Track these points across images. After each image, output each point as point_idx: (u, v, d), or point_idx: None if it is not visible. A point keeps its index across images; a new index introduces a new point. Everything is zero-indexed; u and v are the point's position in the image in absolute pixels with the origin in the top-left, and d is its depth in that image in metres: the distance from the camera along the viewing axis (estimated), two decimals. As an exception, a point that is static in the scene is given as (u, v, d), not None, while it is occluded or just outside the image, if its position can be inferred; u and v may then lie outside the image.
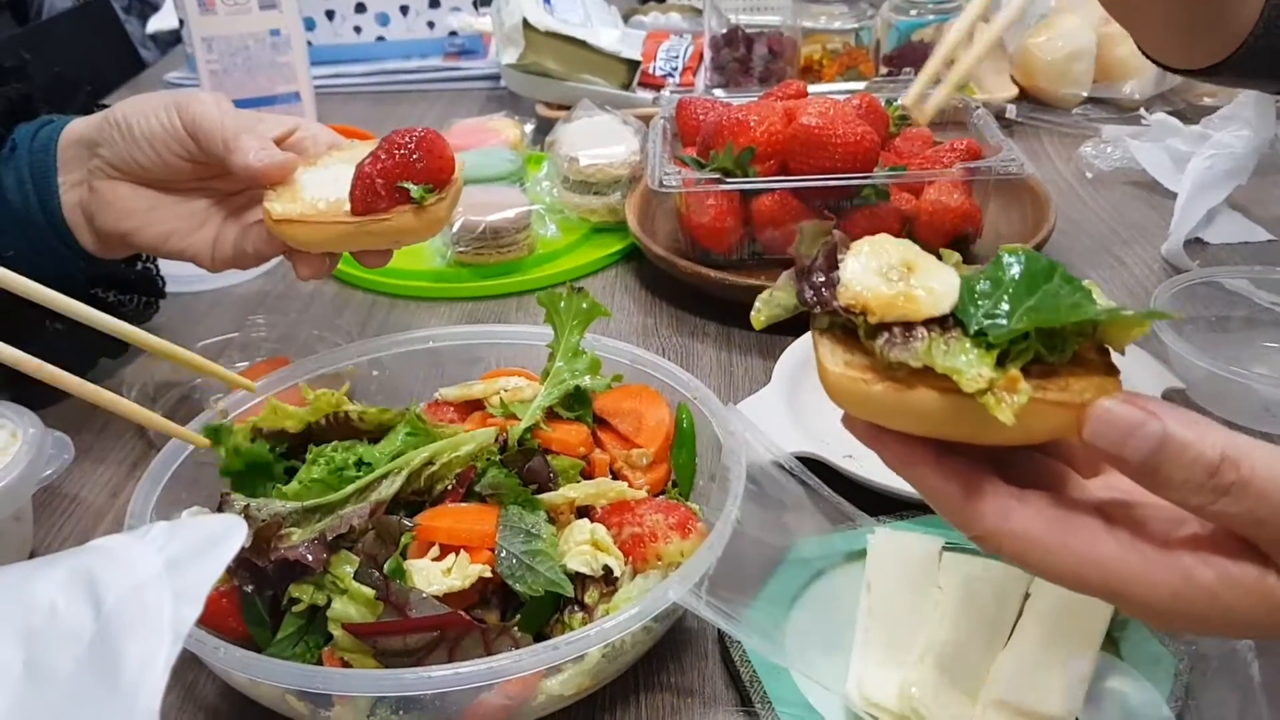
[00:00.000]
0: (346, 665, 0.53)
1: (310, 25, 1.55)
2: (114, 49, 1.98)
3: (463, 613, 0.53)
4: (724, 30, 1.35)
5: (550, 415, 0.66)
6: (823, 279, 0.41)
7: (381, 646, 0.52)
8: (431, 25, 1.62)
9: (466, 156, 1.13)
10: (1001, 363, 0.38)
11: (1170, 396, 0.76)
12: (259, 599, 0.56)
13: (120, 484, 0.75)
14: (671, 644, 0.60)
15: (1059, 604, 0.57)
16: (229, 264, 0.71)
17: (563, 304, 0.69)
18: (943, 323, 0.39)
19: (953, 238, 0.92)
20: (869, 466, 0.70)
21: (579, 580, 0.57)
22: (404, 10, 1.60)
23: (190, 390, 0.81)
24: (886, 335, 0.39)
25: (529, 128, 1.25)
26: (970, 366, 0.37)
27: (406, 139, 0.65)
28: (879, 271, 0.41)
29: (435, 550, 0.57)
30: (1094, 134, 1.23)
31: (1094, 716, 0.52)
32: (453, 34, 1.62)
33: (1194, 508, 0.38)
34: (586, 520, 0.60)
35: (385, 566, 0.55)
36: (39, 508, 0.71)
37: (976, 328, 0.39)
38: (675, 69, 1.42)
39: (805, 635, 0.58)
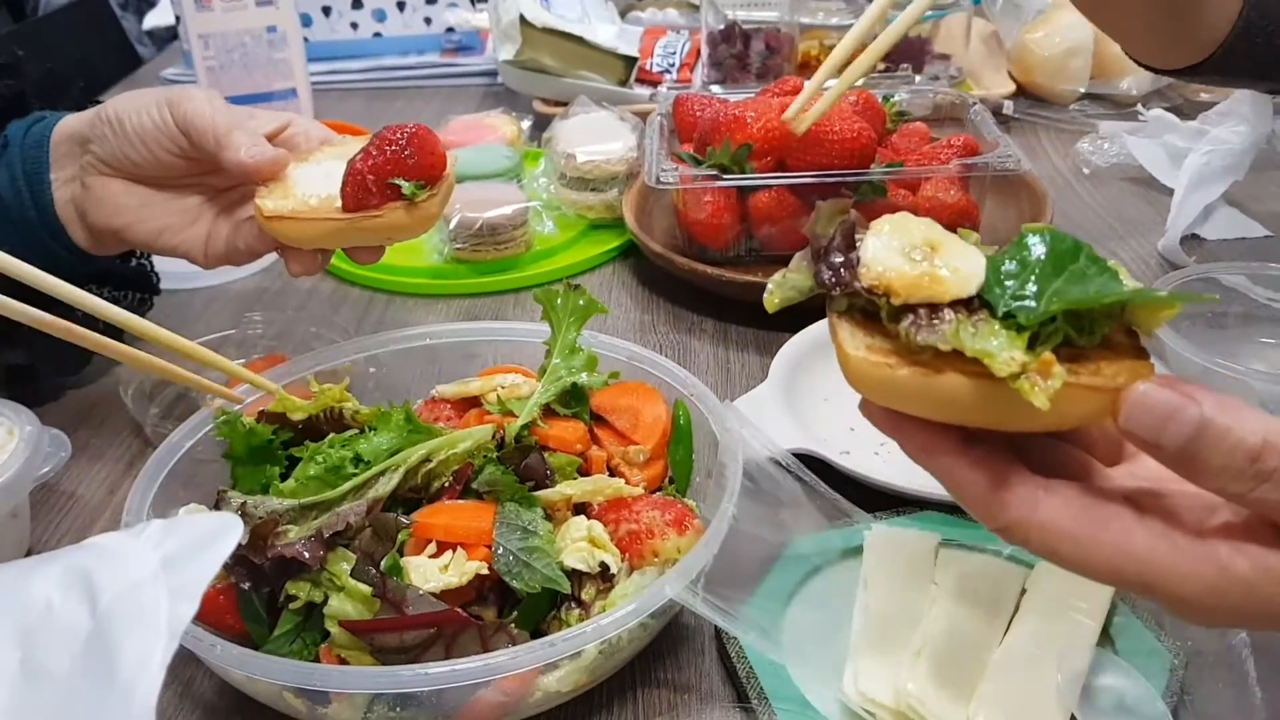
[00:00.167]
0: (343, 662, 0.53)
1: (307, 21, 1.55)
2: (110, 45, 1.97)
3: (459, 609, 0.53)
4: (721, 26, 1.34)
5: (547, 412, 0.66)
6: (841, 259, 0.40)
7: (378, 643, 0.52)
8: (428, 21, 1.61)
9: (463, 153, 1.13)
10: (1031, 346, 0.37)
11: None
12: (256, 596, 0.56)
13: (117, 481, 0.75)
14: (668, 640, 0.60)
15: (1055, 600, 0.58)
16: (221, 261, 0.71)
17: (560, 301, 0.69)
18: (968, 304, 0.38)
19: (949, 234, 0.92)
20: (865, 463, 0.70)
21: (576, 577, 0.57)
22: (401, 6, 1.60)
23: (187, 387, 0.81)
24: (911, 317, 0.37)
25: (526, 124, 1.25)
26: (1002, 350, 0.36)
27: (398, 135, 0.65)
28: (902, 251, 0.39)
29: (432, 547, 0.57)
30: (1091, 130, 1.23)
31: (1090, 712, 0.52)
32: (450, 30, 1.62)
33: (1232, 495, 0.36)
34: (583, 517, 0.60)
35: (382, 564, 0.55)
36: (36, 505, 0.71)
37: (1005, 310, 0.37)
38: (672, 65, 1.42)
39: (802, 632, 0.58)
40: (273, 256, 0.72)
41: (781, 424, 0.72)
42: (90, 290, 0.79)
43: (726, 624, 0.53)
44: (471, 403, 0.70)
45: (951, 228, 0.41)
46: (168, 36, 1.94)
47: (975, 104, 1.03)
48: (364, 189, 0.64)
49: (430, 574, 0.55)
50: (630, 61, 1.35)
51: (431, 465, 0.59)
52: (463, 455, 0.60)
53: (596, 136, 1.09)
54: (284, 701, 0.52)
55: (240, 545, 0.49)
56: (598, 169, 1.06)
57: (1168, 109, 1.17)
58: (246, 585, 0.54)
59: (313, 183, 0.67)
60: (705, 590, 0.53)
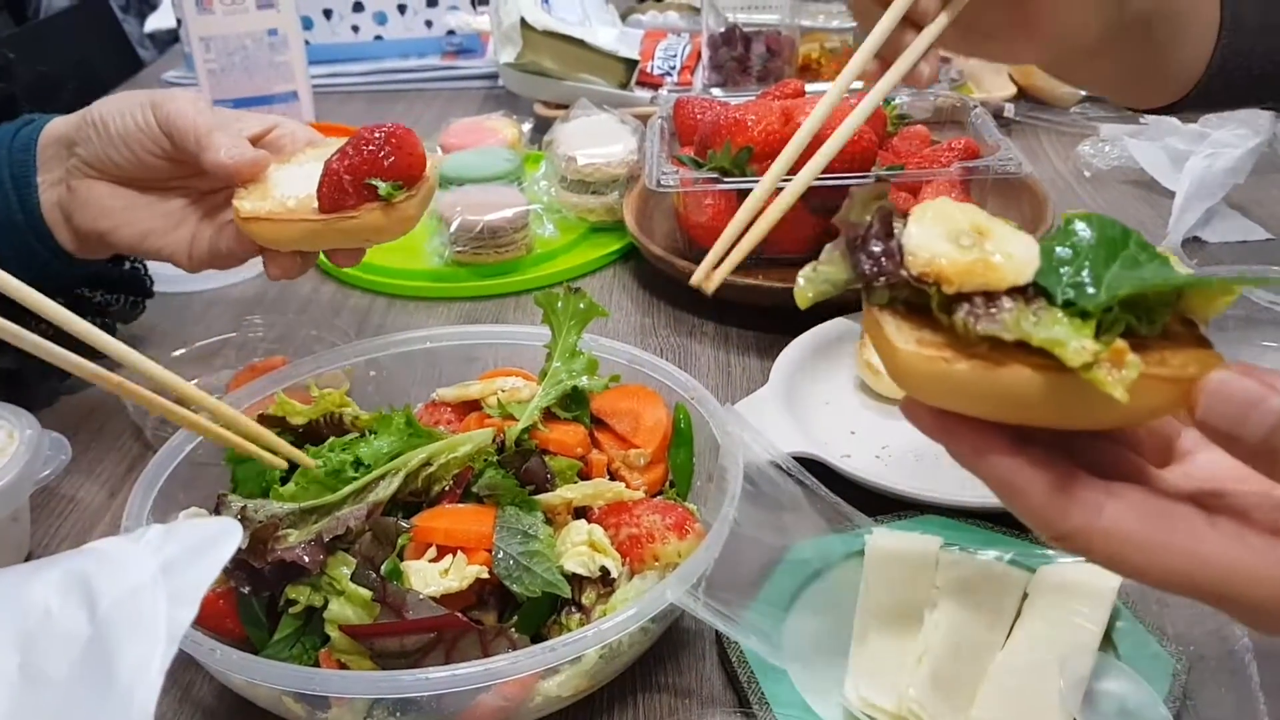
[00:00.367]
0: (343, 667, 0.53)
1: (308, 24, 1.55)
2: (112, 48, 1.97)
3: (460, 614, 0.53)
4: (722, 29, 1.34)
5: (548, 416, 0.66)
6: (882, 248, 0.37)
7: (378, 648, 0.52)
8: (429, 24, 1.61)
9: (464, 156, 1.13)
10: (1095, 336, 0.34)
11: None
12: (256, 600, 0.56)
13: (117, 485, 0.75)
14: (669, 645, 0.60)
15: (1056, 604, 0.57)
16: (206, 264, 0.71)
17: (560, 304, 0.69)
18: (1023, 293, 0.35)
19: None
20: (866, 466, 0.70)
21: (576, 581, 0.57)
22: (401, 9, 1.60)
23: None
24: (967, 307, 0.35)
25: (527, 127, 1.25)
26: (1071, 338, 0.33)
27: (375, 135, 0.64)
28: (949, 237, 0.36)
29: (432, 551, 0.57)
30: (1092, 133, 1.23)
31: (1092, 717, 0.52)
32: (450, 33, 1.62)
33: None
34: (584, 521, 0.60)
35: (382, 568, 0.55)
36: (36, 508, 0.71)
37: (1065, 297, 0.35)
38: (673, 68, 1.42)
39: (803, 636, 0.58)
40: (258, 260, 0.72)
41: (782, 427, 0.72)
42: (82, 294, 0.79)
43: (728, 628, 0.53)
44: (472, 406, 0.69)
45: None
46: (169, 39, 1.94)
47: (976, 107, 1.03)
48: (340, 189, 0.63)
49: (430, 578, 0.54)
50: (631, 64, 1.35)
51: (432, 469, 0.59)
52: (463, 459, 0.60)
53: (597, 139, 1.09)
54: (284, 706, 0.52)
55: (240, 549, 0.49)
56: (598, 172, 1.06)
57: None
58: (246, 589, 0.54)
59: (292, 184, 0.66)
60: (706, 595, 0.53)
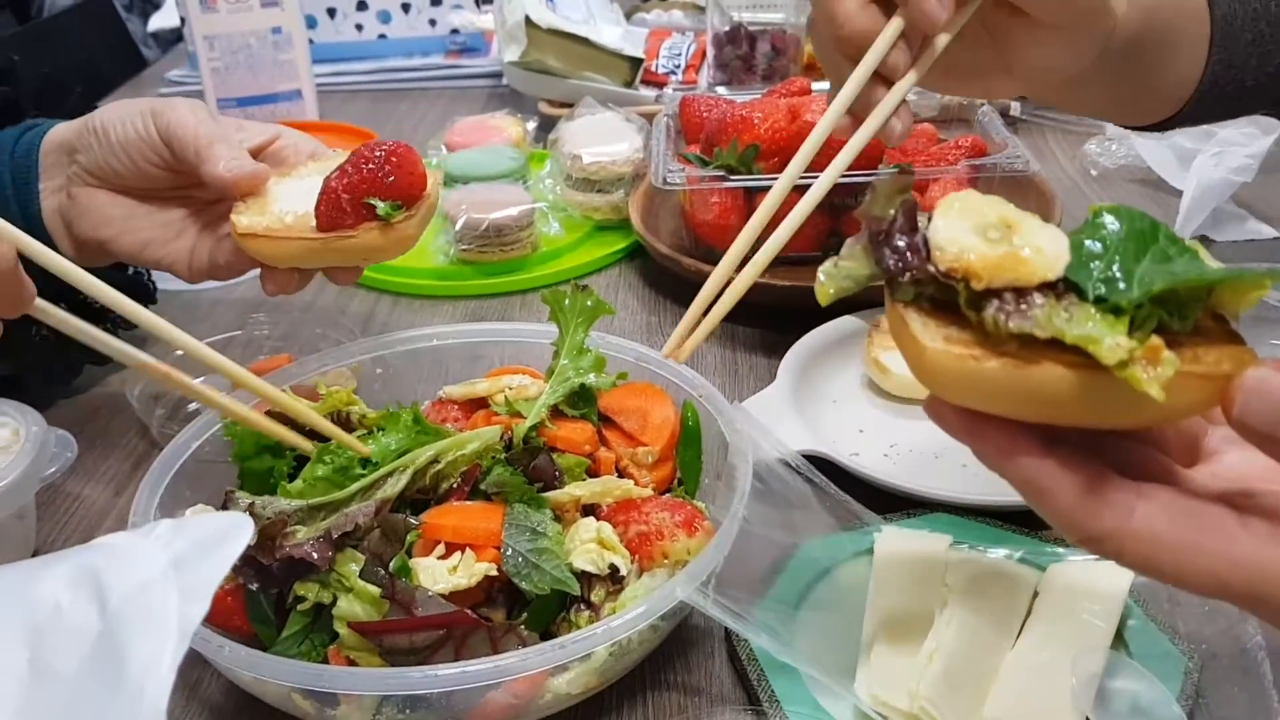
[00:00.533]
0: (352, 664, 0.53)
1: (312, 23, 1.55)
2: (115, 47, 1.97)
3: (469, 611, 0.52)
4: (727, 28, 1.34)
5: (555, 413, 0.65)
6: (906, 242, 0.36)
7: (388, 645, 0.52)
8: (433, 23, 1.61)
9: (469, 154, 1.13)
10: (1129, 332, 0.33)
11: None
12: (264, 597, 0.55)
13: (123, 482, 0.75)
14: (678, 642, 0.60)
15: (1067, 602, 0.57)
16: (205, 275, 0.70)
17: (568, 302, 0.69)
18: (1053, 288, 0.34)
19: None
20: (875, 465, 0.70)
21: (585, 579, 0.56)
22: (405, 8, 1.60)
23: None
24: (997, 303, 0.34)
25: (531, 125, 1.25)
26: (1105, 335, 0.33)
27: (376, 153, 0.63)
28: (977, 231, 0.35)
29: (441, 548, 0.56)
30: (1099, 131, 1.23)
31: (1105, 716, 0.52)
32: (454, 31, 1.62)
33: None
34: (592, 518, 0.60)
35: (391, 565, 0.55)
36: (42, 506, 0.71)
37: (1097, 292, 0.34)
38: (678, 66, 1.42)
39: (813, 634, 0.57)
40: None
41: (790, 425, 0.72)
42: (85, 298, 0.78)
43: (738, 626, 0.53)
44: (479, 404, 0.69)
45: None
46: (172, 38, 1.94)
47: (983, 105, 1.03)
48: (338, 208, 0.62)
49: (439, 575, 0.54)
50: (636, 63, 1.34)
51: (440, 466, 0.59)
52: (471, 456, 0.60)
53: (602, 138, 1.09)
54: (292, 703, 0.52)
55: (249, 546, 0.49)
56: (604, 170, 1.06)
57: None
58: (255, 586, 0.54)
59: (292, 199, 0.65)
60: (716, 592, 0.53)
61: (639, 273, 1.03)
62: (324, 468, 0.57)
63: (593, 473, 0.63)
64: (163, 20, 1.99)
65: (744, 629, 0.53)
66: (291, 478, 0.59)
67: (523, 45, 1.31)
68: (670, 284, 0.98)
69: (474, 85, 1.57)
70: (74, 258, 0.71)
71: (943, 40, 0.52)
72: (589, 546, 0.57)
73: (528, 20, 1.30)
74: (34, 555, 0.69)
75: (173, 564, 0.36)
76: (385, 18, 1.60)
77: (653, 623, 0.51)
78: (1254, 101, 0.67)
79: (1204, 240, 1.01)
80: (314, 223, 0.63)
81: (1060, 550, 0.61)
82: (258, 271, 0.99)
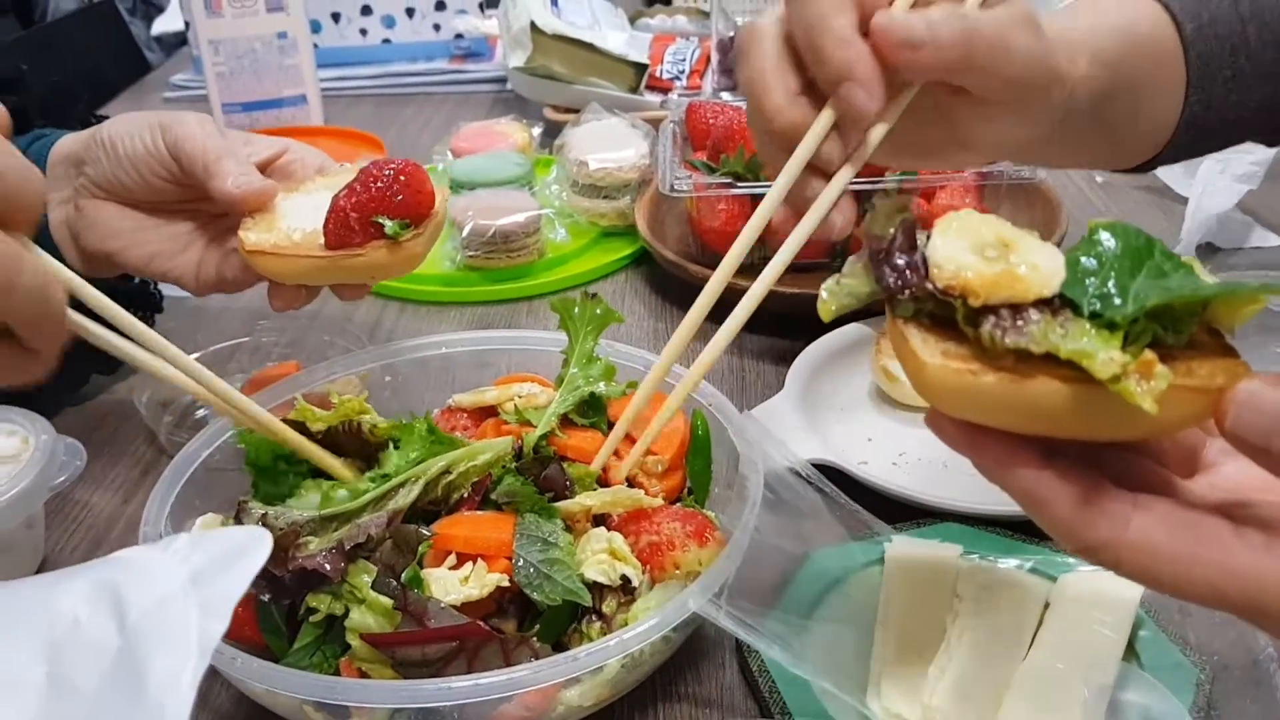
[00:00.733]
0: (364, 675, 0.53)
1: (316, 28, 1.55)
2: (119, 51, 1.97)
3: (481, 622, 0.52)
4: (731, 33, 1.34)
5: (565, 422, 0.65)
6: (906, 260, 0.37)
7: (400, 657, 0.52)
8: (437, 28, 1.62)
9: (474, 160, 1.13)
10: (1123, 346, 0.34)
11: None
12: (276, 608, 0.55)
13: (131, 490, 0.75)
14: (689, 653, 0.60)
15: (1078, 613, 0.57)
16: (212, 289, 0.70)
17: (577, 310, 0.69)
18: (1049, 304, 0.35)
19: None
20: (884, 473, 0.70)
21: (596, 589, 0.56)
22: (410, 13, 1.60)
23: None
24: (994, 319, 0.35)
25: (537, 131, 1.25)
26: (1099, 350, 0.33)
27: (385, 171, 0.63)
28: (974, 249, 0.37)
29: (452, 559, 0.56)
30: (1103, 138, 1.22)
31: (1116, 727, 0.52)
32: (458, 36, 1.62)
33: None
34: (603, 529, 0.59)
35: (403, 576, 0.54)
36: (50, 514, 0.71)
37: (1091, 308, 0.35)
38: (682, 72, 1.42)
39: (824, 645, 0.57)
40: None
41: (798, 434, 0.72)
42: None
43: (750, 637, 0.53)
44: (488, 412, 0.69)
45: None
46: (176, 42, 1.94)
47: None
48: (346, 227, 0.62)
49: (451, 586, 0.54)
50: (640, 68, 1.35)
51: (451, 477, 0.59)
52: (483, 467, 0.60)
53: (608, 144, 1.09)
54: (304, 715, 0.52)
55: (262, 557, 0.49)
56: (610, 176, 1.06)
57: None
58: (267, 597, 0.54)
59: (300, 215, 0.66)
60: (727, 603, 0.53)
61: (645, 279, 1.03)
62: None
63: (603, 482, 0.63)
64: (166, 24, 1.99)
65: (755, 640, 0.53)
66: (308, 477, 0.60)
67: (528, 51, 1.31)
68: (676, 290, 0.98)
69: (479, 90, 1.57)
70: (81, 269, 0.72)
71: (877, 133, 0.50)
72: (600, 557, 0.57)
73: (533, 26, 1.30)
74: (43, 563, 0.69)
75: (191, 579, 0.36)
76: (390, 23, 1.60)
77: (665, 634, 0.51)
78: (1235, 134, 0.64)
79: (1209, 248, 1.02)
80: (322, 240, 0.63)
81: (1071, 560, 0.61)
82: (265, 282, 1.00)
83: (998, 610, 0.58)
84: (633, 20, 1.61)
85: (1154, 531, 0.35)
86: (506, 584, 0.55)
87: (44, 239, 0.70)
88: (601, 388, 0.67)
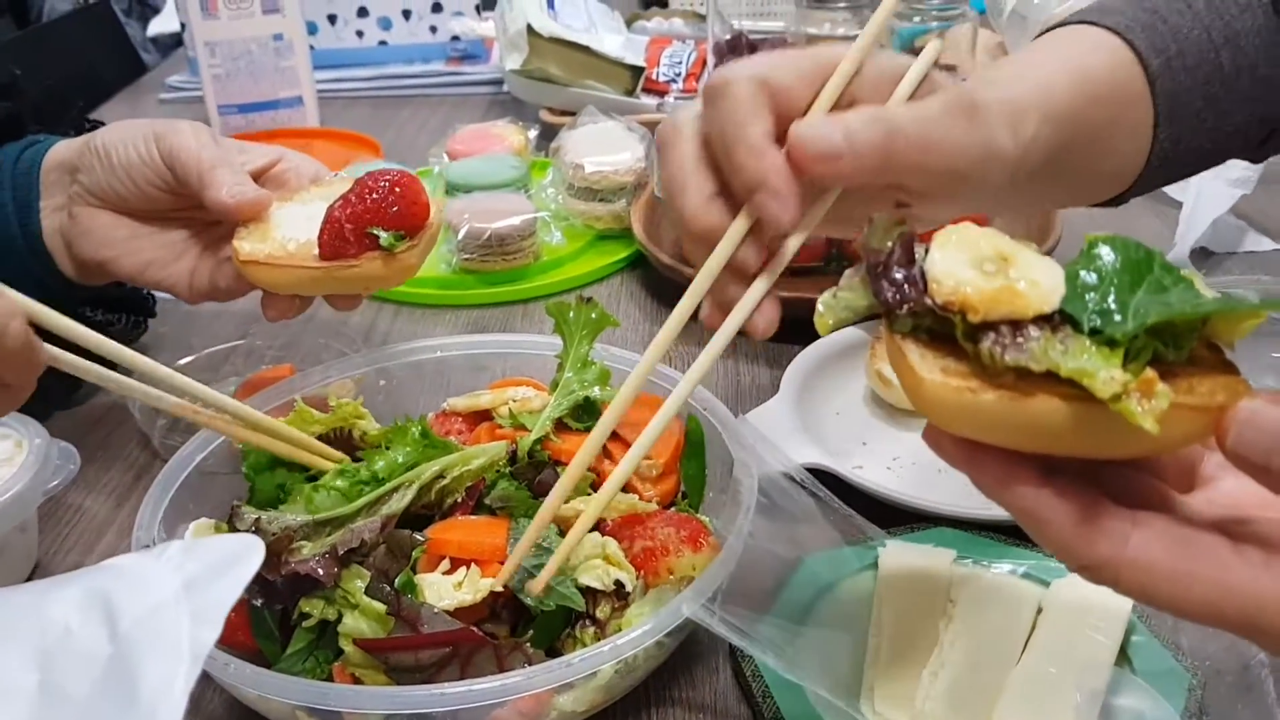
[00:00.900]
0: (357, 681, 0.53)
1: (312, 29, 1.55)
2: (114, 52, 1.97)
3: (474, 628, 0.52)
4: (727, 36, 1.34)
5: (559, 426, 0.65)
6: (904, 275, 0.37)
7: (393, 663, 0.52)
8: (434, 30, 1.61)
9: (470, 163, 1.13)
10: (1124, 364, 0.34)
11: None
12: (269, 613, 0.55)
13: (124, 494, 0.75)
14: (682, 658, 0.60)
15: (1072, 619, 0.57)
16: (206, 297, 0.70)
17: (572, 314, 0.69)
18: (1049, 320, 0.35)
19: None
20: (878, 478, 0.70)
21: (590, 595, 0.56)
22: (406, 15, 1.60)
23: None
24: (993, 336, 0.35)
25: (533, 134, 1.25)
26: (1100, 368, 0.33)
27: (380, 183, 0.63)
28: (973, 264, 0.36)
29: (445, 564, 0.56)
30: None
31: (1109, 733, 0.52)
32: (455, 38, 1.62)
33: None
34: (597, 534, 0.59)
35: (396, 581, 0.54)
36: (43, 518, 0.70)
37: (1092, 324, 0.35)
38: (679, 75, 1.42)
39: (817, 650, 0.57)
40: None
41: (793, 438, 0.72)
42: (83, 314, 0.78)
43: (743, 643, 0.53)
44: (482, 416, 0.69)
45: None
46: (172, 43, 1.94)
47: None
48: (341, 238, 0.63)
49: (444, 591, 0.54)
50: (637, 71, 1.35)
51: (445, 481, 0.59)
52: (477, 471, 0.60)
53: (604, 147, 1.09)
54: (296, 720, 0.52)
55: (255, 563, 0.49)
56: (606, 179, 1.06)
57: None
58: (260, 602, 0.54)
59: (294, 225, 0.66)
60: (721, 608, 0.53)
61: (641, 282, 1.03)
62: (345, 480, 0.57)
63: (596, 487, 0.63)
64: (162, 25, 1.99)
65: (748, 646, 0.53)
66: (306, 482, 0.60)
67: (524, 53, 1.31)
68: (672, 294, 0.97)
69: (475, 92, 1.57)
70: (74, 277, 0.72)
71: (794, 243, 0.49)
72: (594, 562, 0.57)
73: (529, 29, 1.30)
74: (36, 567, 0.69)
75: (184, 587, 0.36)
76: (386, 24, 1.60)
77: (659, 640, 0.51)
78: (1211, 159, 0.62)
79: (1203, 252, 1.02)
80: (316, 251, 0.64)
81: (1064, 566, 0.61)
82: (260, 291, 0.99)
83: (991, 615, 0.58)
84: (629, 23, 1.61)
85: (1152, 549, 0.35)
86: (500, 589, 0.55)
87: (37, 246, 0.70)
88: (596, 392, 0.67)
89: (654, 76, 1.40)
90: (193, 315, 0.96)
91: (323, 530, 0.55)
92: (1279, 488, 0.34)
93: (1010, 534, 0.64)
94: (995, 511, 0.64)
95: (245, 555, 0.37)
